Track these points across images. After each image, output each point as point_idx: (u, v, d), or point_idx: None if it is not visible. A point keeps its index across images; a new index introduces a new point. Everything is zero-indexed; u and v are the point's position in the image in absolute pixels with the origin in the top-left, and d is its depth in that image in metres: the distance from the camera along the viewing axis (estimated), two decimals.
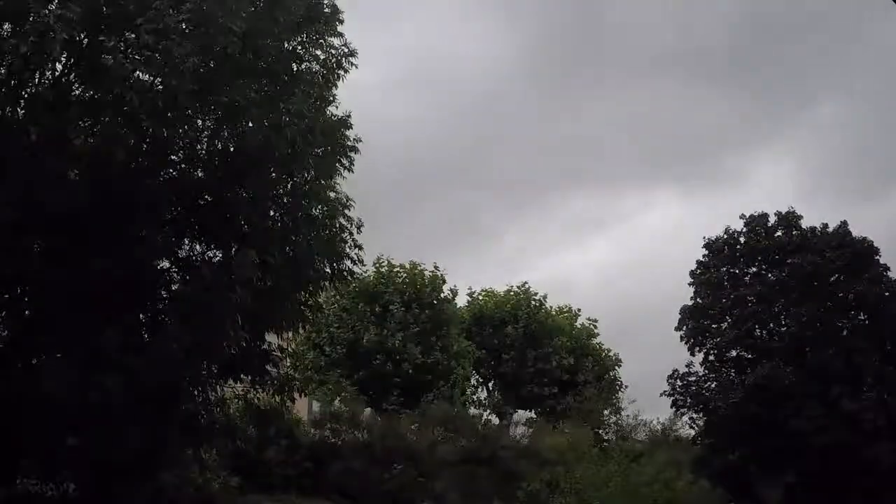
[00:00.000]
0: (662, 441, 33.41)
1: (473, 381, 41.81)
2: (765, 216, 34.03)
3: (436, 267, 38.19)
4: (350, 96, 16.98)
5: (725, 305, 33.18)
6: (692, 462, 30.25)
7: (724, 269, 33.99)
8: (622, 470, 24.88)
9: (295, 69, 15.87)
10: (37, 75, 13.12)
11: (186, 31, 13.14)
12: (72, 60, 13.67)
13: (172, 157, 14.85)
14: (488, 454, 28.60)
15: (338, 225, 16.93)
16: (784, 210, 33.92)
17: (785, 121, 75.02)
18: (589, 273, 73.95)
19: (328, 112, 16.79)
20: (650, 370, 47.39)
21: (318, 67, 16.49)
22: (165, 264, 15.42)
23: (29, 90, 13.26)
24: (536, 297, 43.36)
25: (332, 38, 16.62)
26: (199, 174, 15.22)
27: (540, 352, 40.83)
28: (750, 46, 72.17)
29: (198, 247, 15.56)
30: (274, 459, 23.91)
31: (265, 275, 14.70)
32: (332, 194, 16.91)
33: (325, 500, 24.54)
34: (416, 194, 67.36)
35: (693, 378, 33.64)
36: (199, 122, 14.69)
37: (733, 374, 32.79)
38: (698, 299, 33.86)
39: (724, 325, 33.50)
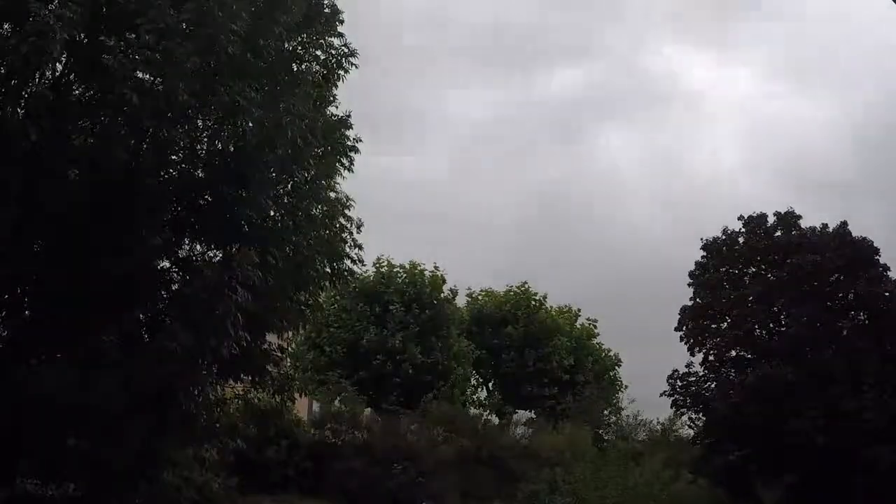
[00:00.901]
0: (662, 441, 33.45)
1: (473, 381, 41.86)
2: (763, 216, 33.98)
3: (436, 267, 38.29)
4: None
5: (725, 305, 33.16)
6: (692, 462, 30.26)
7: (724, 269, 33.98)
8: (622, 470, 24.87)
9: (295, 69, 15.88)
10: (37, 75, 13.10)
11: (186, 31, 13.14)
12: (72, 60, 13.67)
13: (172, 157, 14.83)
14: (488, 454, 28.64)
15: (338, 225, 16.95)
16: (783, 210, 33.95)
17: None
18: None
19: (328, 112, 16.82)
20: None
21: (318, 67, 16.52)
22: (165, 264, 15.42)
23: (29, 90, 13.24)
24: (536, 297, 43.40)
25: (332, 38, 16.66)
26: (199, 174, 15.21)
27: (540, 352, 40.86)
28: None
29: (198, 247, 15.56)
30: (274, 459, 23.94)
31: (265, 275, 14.68)
32: (332, 194, 16.93)
33: (325, 500, 24.56)
34: None
35: (693, 378, 33.64)
36: (199, 122, 14.67)
37: (733, 374, 32.74)
38: (698, 299, 33.86)
39: (724, 325, 33.49)
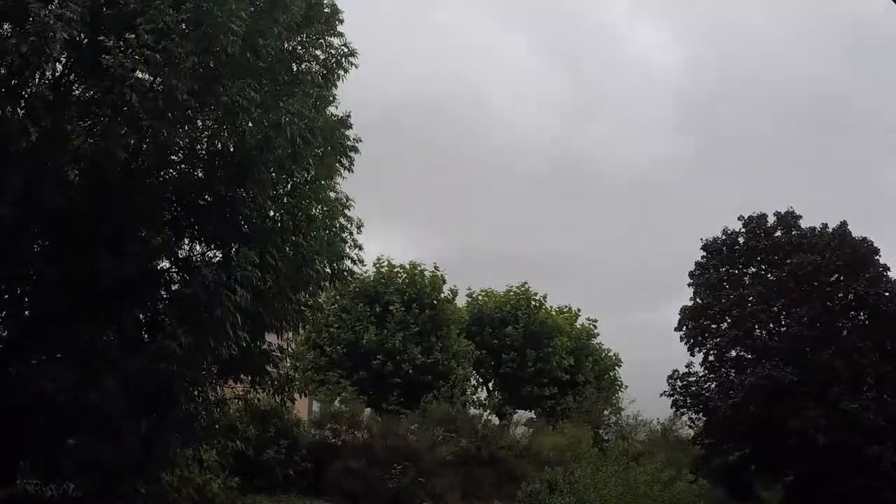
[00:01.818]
0: (662, 441, 33.45)
1: (473, 381, 41.85)
2: (763, 216, 34.05)
3: (436, 267, 38.28)
4: None
5: (725, 306, 33.19)
6: (692, 462, 30.27)
7: (724, 269, 34.01)
8: (622, 470, 24.85)
9: (295, 69, 15.90)
10: (37, 75, 13.10)
11: (186, 31, 13.14)
12: (72, 60, 13.68)
13: (172, 157, 14.83)
14: (488, 454, 28.63)
15: (338, 225, 16.96)
16: (783, 211, 33.98)
17: None
18: None
19: (328, 112, 16.82)
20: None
21: (318, 67, 16.51)
22: (165, 264, 15.42)
23: (29, 90, 13.24)
24: (536, 297, 43.39)
25: (332, 38, 16.67)
26: (199, 174, 15.21)
27: (540, 352, 40.83)
28: None
29: (198, 247, 15.56)
30: (274, 459, 23.92)
31: (265, 275, 14.68)
32: (332, 194, 16.94)
33: (325, 501, 24.55)
34: None
35: (693, 378, 33.67)
36: (199, 122, 14.67)
37: (733, 374, 32.77)
38: (698, 299, 33.88)
39: (724, 325, 33.51)
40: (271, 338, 17.12)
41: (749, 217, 34.14)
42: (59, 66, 13.52)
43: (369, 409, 32.59)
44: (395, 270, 37.82)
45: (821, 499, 28.99)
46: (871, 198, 69.71)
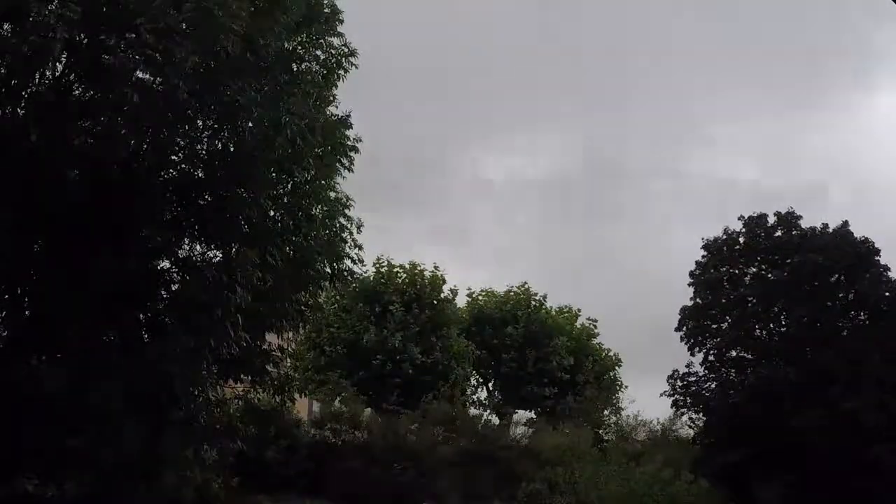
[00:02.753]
0: (662, 441, 33.43)
1: (473, 381, 41.85)
2: (764, 216, 33.99)
3: (436, 267, 38.29)
4: None
5: (725, 305, 33.16)
6: (692, 462, 30.25)
7: (724, 269, 33.98)
8: (622, 470, 24.86)
9: (295, 69, 15.89)
10: (37, 75, 13.10)
11: (186, 30, 13.13)
12: (72, 60, 13.66)
13: (172, 157, 14.84)
14: (488, 454, 28.63)
15: (338, 225, 16.96)
16: (783, 210, 33.95)
17: None
18: None
19: (328, 112, 16.83)
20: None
21: (318, 67, 16.53)
22: (165, 264, 15.42)
23: (29, 90, 13.25)
24: (536, 297, 43.39)
25: (332, 38, 16.67)
26: (199, 174, 15.21)
27: (540, 352, 40.82)
28: None
29: (198, 247, 15.55)
30: (274, 459, 23.94)
31: (265, 275, 14.68)
32: (332, 194, 16.93)
33: (325, 501, 24.56)
34: None
35: (693, 378, 33.64)
36: (199, 122, 14.68)
37: (733, 374, 32.74)
38: (698, 299, 33.85)
39: (724, 325, 33.48)
40: (271, 338, 17.13)
41: (749, 217, 34.09)
42: (59, 66, 13.51)
43: (369, 409, 32.59)
44: (395, 270, 37.83)
45: (821, 499, 28.95)
46: None
